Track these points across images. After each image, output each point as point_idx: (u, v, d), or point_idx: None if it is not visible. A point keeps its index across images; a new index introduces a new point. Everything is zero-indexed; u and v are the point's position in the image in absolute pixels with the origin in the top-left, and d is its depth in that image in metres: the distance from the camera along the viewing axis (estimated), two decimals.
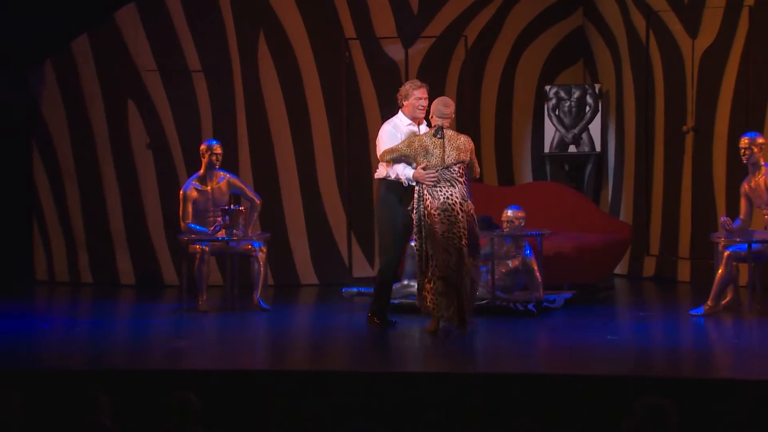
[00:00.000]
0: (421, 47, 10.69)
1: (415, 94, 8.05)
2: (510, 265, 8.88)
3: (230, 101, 10.62)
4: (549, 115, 10.70)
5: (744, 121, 9.67)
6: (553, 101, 10.73)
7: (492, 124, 10.89)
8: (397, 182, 7.95)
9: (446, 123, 7.88)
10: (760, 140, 8.57)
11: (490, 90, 10.87)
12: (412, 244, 8.93)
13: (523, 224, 8.95)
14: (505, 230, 8.90)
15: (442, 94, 10.75)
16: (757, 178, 8.55)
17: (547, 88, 10.75)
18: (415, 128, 8.09)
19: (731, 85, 9.85)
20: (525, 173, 11.00)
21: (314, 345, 8.09)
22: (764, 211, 8.54)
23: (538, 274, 8.80)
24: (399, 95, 8.14)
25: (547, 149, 10.81)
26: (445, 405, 6.25)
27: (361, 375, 6.78)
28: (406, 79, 10.61)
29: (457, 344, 7.85)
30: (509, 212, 8.95)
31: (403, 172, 7.88)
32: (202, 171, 9.30)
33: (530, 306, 8.64)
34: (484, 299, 8.76)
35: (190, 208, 9.19)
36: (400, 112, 8.14)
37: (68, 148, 10.75)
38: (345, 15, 10.60)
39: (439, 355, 7.52)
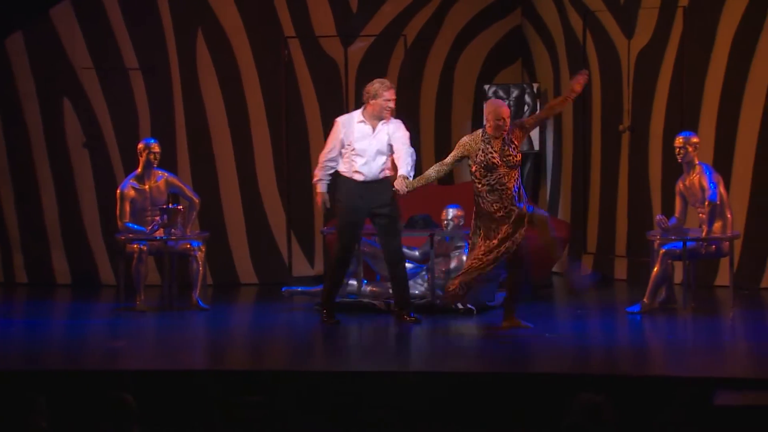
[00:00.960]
0: (360, 46, 10.69)
1: (385, 95, 8.04)
2: (450, 263, 8.91)
3: (168, 99, 10.54)
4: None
5: (679, 121, 9.80)
6: None
7: (431, 123, 10.93)
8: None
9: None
10: (695, 139, 8.68)
11: (429, 89, 10.90)
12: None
13: (462, 223, 8.99)
14: (445, 229, 8.93)
15: None
16: (691, 177, 8.66)
17: (486, 87, 10.80)
18: (367, 127, 8.07)
19: (666, 85, 9.97)
20: (464, 172, 11.04)
21: (253, 344, 8.06)
22: (699, 210, 8.66)
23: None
24: (366, 92, 8.11)
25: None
26: (384, 404, 6.26)
27: (300, 374, 6.77)
28: (346, 78, 10.63)
29: (396, 343, 7.87)
30: (449, 211, 8.98)
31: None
32: (139, 170, 9.22)
33: (469, 304, 8.68)
34: (424, 298, 8.79)
35: (127, 207, 9.12)
36: (362, 108, 8.13)
37: (2, 147, 10.59)
38: (284, 13, 10.57)
39: (378, 353, 7.53)
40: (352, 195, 8.10)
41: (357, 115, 8.19)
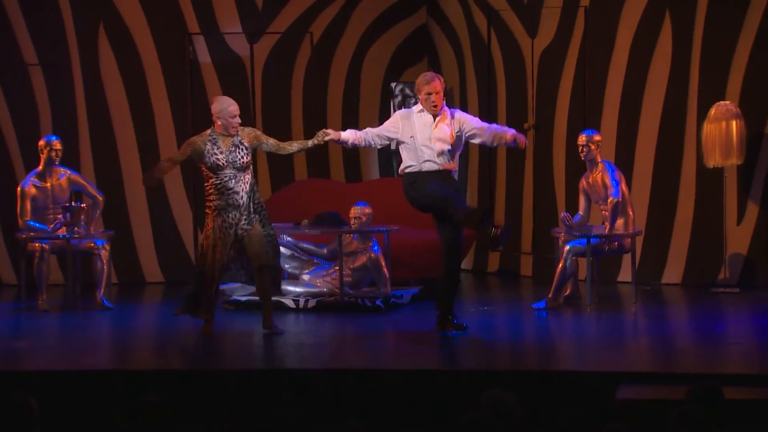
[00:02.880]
0: (266, 43, 10.64)
1: (424, 90, 7.72)
2: (357, 261, 8.92)
3: (70, 96, 10.37)
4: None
5: (581, 119, 9.94)
6: (399, 98, 10.82)
7: (339, 121, 10.92)
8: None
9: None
10: (597, 137, 8.82)
11: (336, 86, 10.90)
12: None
13: (370, 221, 9.00)
14: (353, 226, 8.94)
15: (287, 90, 10.79)
16: (594, 175, 8.80)
17: (393, 85, 10.84)
18: (427, 116, 7.76)
19: (569, 84, 10.11)
20: (372, 170, 11.07)
21: (158, 344, 7.97)
22: (602, 207, 8.80)
23: (385, 270, 8.87)
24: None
25: (393, 146, 10.86)
26: (290, 402, 6.24)
27: (204, 374, 6.72)
28: (252, 75, 10.57)
29: (302, 340, 7.85)
30: (356, 208, 8.99)
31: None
32: (41, 167, 9.07)
33: (378, 302, 8.70)
34: (333, 295, 8.79)
35: (28, 205, 8.96)
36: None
37: None
38: (188, 9, 10.47)
39: (283, 351, 7.50)
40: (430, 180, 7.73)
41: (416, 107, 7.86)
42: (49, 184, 9.05)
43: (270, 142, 7.84)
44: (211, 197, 7.76)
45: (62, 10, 10.32)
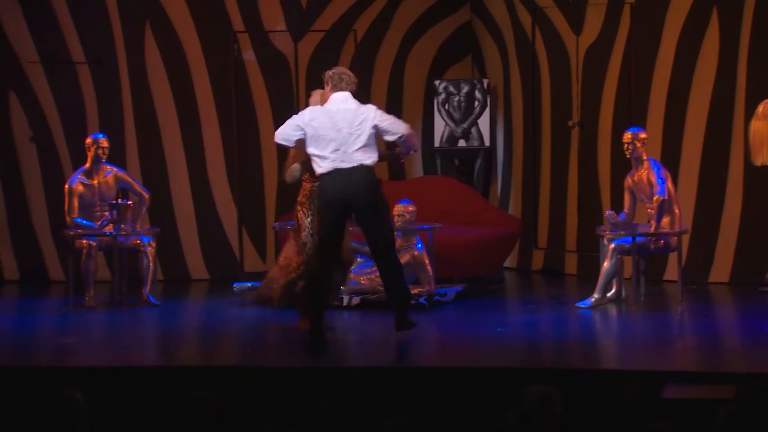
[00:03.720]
0: (310, 41, 10.67)
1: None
2: (401, 259, 8.91)
3: (116, 94, 10.46)
4: (438, 110, 10.78)
5: (627, 116, 9.88)
6: (443, 96, 10.82)
7: None
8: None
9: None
10: (643, 135, 8.76)
11: (380, 84, 10.91)
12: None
13: (413, 218, 9.00)
14: (396, 224, 8.94)
15: None
16: (639, 173, 8.74)
17: (437, 82, 10.83)
18: None
19: (614, 81, 10.05)
20: (415, 167, 11.07)
21: (204, 340, 8.02)
22: (647, 205, 8.74)
23: (429, 267, 8.87)
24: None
25: (437, 143, 10.89)
26: (337, 399, 6.26)
27: (251, 369, 6.76)
28: (296, 73, 10.60)
29: (346, 338, 7.87)
30: (400, 206, 8.99)
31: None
32: (88, 165, 9.15)
33: (421, 299, 8.70)
34: (376, 293, 8.80)
35: (76, 203, 9.04)
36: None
37: None
38: (233, 8, 10.52)
39: (327, 349, 7.52)
40: None
41: None
42: (96, 182, 9.13)
43: None
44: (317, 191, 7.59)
45: (109, 9, 10.40)
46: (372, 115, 7.39)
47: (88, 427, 5.08)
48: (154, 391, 6.41)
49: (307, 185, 7.79)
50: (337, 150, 7.32)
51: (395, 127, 7.45)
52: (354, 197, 7.32)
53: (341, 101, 7.41)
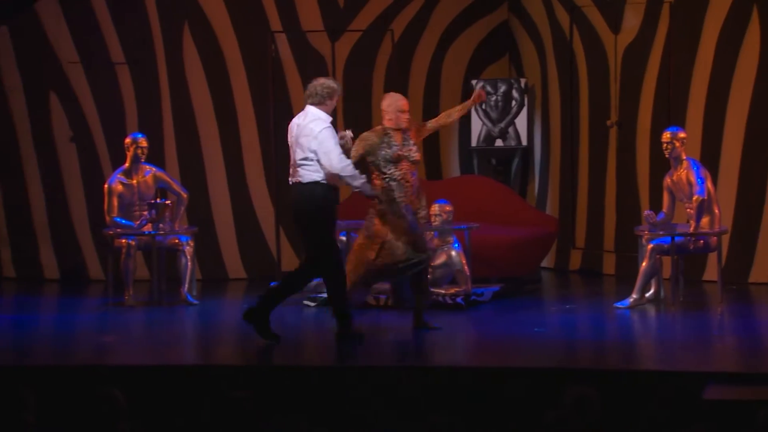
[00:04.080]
0: (347, 41, 10.68)
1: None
2: (438, 258, 8.92)
3: (155, 94, 10.52)
4: (476, 109, 10.75)
5: (666, 116, 9.82)
6: None
7: (419, 119, 10.92)
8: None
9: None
10: (682, 134, 8.70)
11: (417, 84, 10.90)
12: (342, 237, 8.95)
13: (450, 218, 8.99)
14: (433, 224, 8.93)
15: (368, 88, 10.82)
16: (679, 172, 8.68)
17: (474, 82, 10.80)
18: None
19: (653, 80, 9.99)
20: (452, 167, 11.05)
21: (242, 339, 8.04)
22: (686, 205, 8.68)
23: (466, 267, 8.85)
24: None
25: (474, 143, 10.87)
26: (373, 399, 6.26)
27: (289, 369, 6.77)
28: (333, 73, 10.61)
29: (383, 338, 7.87)
30: (437, 206, 8.98)
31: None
32: (127, 164, 9.20)
33: (458, 299, 8.69)
34: None
35: (115, 202, 9.10)
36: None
37: None
38: (270, 7, 10.56)
39: (367, 348, 7.52)
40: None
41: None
42: (135, 181, 9.19)
43: (430, 124, 7.89)
44: (387, 192, 7.61)
45: (148, 10, 10.47)
46: (314, 137, 7.33)
47: (127, 425, 5.11)
48: (191, 390, 6.44)
49: (377, 182, 7.76)
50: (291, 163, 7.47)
51: (325, 161, 7.34)
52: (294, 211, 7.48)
53: (301, 116, 7.49)
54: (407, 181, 7.68)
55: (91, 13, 10.44)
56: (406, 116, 7.76)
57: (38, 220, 10.54)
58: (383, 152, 7.67)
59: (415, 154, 7.74)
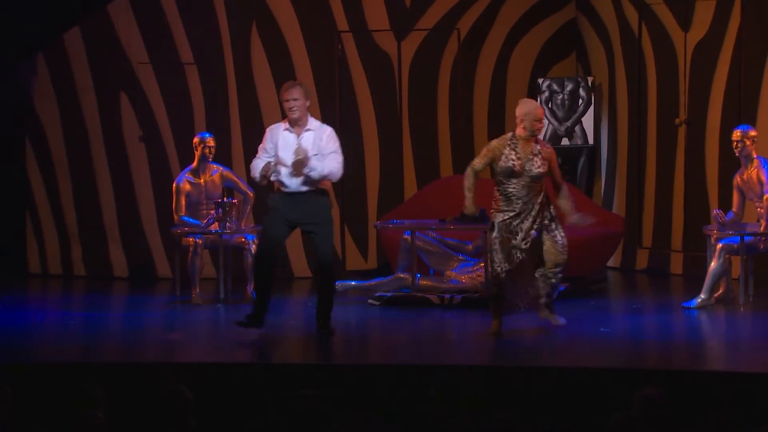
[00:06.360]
0: (413, 40, 10.69)
1: (284, 97, 7.69)
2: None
3: (223, 94, 10.61)
4: (542, 108, 10.68)
5: (736, 114, 9.68)
6: (546, 94, 10.73)
7: (485, 117, 10.89)
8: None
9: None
10: (753, 133, 8.58)
11: (482, 83, 10.87)
12: (406, 236, 8.98)
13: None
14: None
15: (434, 87, 10.81)
16: (749, 171, 8.56)
17: (540, 80, 10.75)
18: (291, 135, 7.65)
19: (723, 78, 9.86)
20: None
21: (307, 337, 8.08)
22: (756, 204, 8.56)
23: None
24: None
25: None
26: (437, 398, 6.26)
27: (355, 367, 6.79)
28: (399, 72, 10.62)
29: (451, 336, 7.86)
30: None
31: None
32: (195, 164, 9.29)
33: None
34: (477, 291, 8.78)
35: (183, 201, 9.19)
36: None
37: (61, 141, 10.73)
38: (338, 7, 10.59)
39: (432, 347, 7.52)
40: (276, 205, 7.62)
41: (284, 123, 7.69)
42: (202, 181, 9.27)
43: (557, 181, 7.62)
44: (498, 203, 7.54)
45: (217, 11, 10.56)
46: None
47: (194, 421, 5.17)
48: (257, 388, 6.49)
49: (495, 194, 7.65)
50: None
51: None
52: None
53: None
54: (519, 198, 7.44)
55: (161, 14, 10.56)
56: (541, 125, 7.61)
57: (108, 219, 10.69)
58: (500, 163, 7.51)
59: (539, 168, 7.47)
